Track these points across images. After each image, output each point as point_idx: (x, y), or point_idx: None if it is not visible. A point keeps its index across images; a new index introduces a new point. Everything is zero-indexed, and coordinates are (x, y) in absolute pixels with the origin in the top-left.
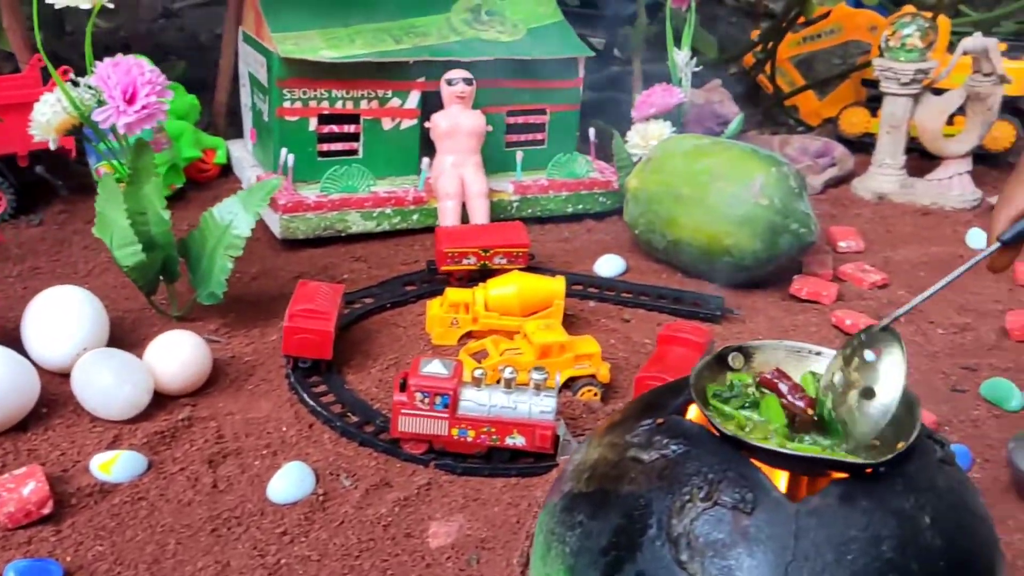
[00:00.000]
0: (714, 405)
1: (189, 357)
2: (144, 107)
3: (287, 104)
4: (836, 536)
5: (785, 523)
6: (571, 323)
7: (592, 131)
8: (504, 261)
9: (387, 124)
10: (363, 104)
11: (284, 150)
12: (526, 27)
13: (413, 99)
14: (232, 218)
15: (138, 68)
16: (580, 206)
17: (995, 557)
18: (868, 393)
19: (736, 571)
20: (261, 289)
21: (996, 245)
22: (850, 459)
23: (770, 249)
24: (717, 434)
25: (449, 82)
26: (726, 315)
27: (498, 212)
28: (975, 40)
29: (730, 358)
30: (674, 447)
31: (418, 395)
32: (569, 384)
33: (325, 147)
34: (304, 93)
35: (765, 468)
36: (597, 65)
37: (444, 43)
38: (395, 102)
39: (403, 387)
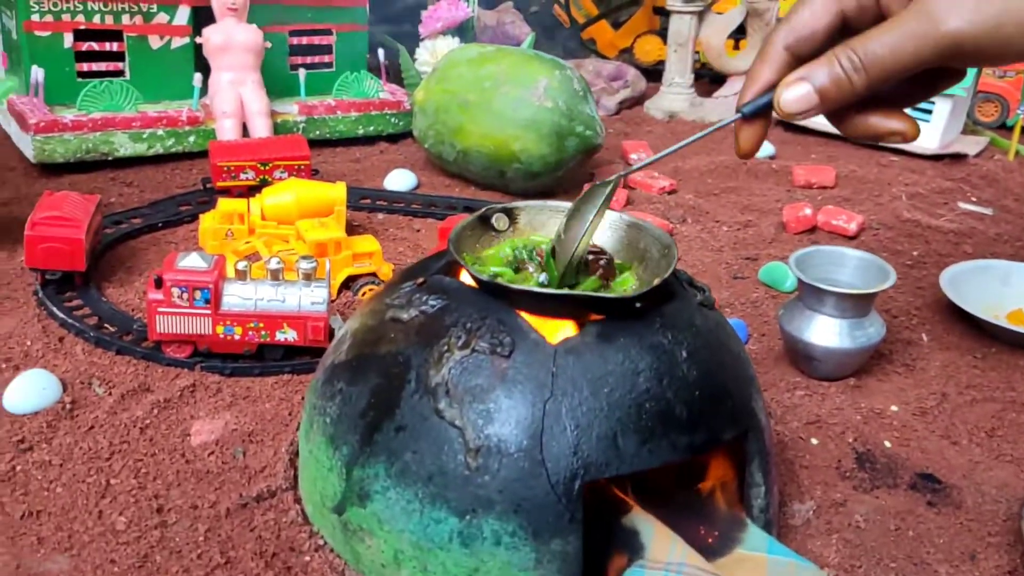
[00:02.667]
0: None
1: None
2: None
3: (35, 17)
4: (593, 371)
5: (543, 363)
6: (358, 233)
7: (381, 52)
8: (285, 175)
9: (155, 43)
10: (125, 19)
11: (35, 67)
12: None
13: (182, 15)
14: None
15: None
16: (371, 127)
17: (751, 391)
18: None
19: (495, 413)
20: (11, 215)
21: (736, 116)
22: (606, 294)
23: (558, 153)
24: (478, 287)
25: None
26: None
27: (283, 133)
28: None
29: (494, 219)
30: (433, 302)
31: (175, 291)
32: (349, 284)
33: (85, 67)
34: (55, 5)
35: (529, 316)
36: None
37: None
38: (162, 17)
39: (158, 284)
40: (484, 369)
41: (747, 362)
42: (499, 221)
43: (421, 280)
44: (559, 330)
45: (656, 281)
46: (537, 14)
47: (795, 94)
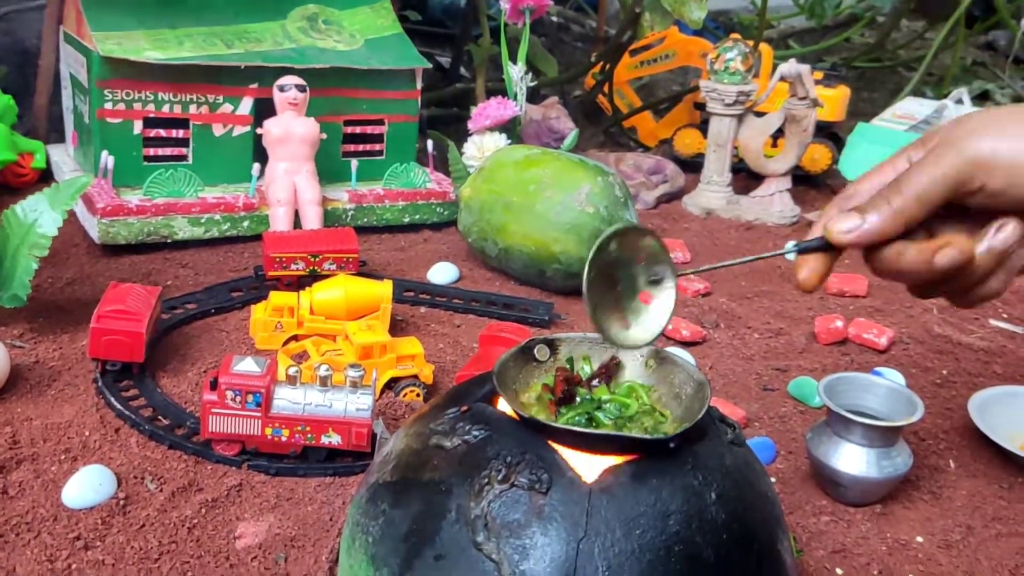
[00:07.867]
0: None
1: None
2: None
3: (108, 106)
4: (626, 512)
5: (578, 501)
6: (401, 328)
7: (430, 143)
8: (334, 267)
9: (218, 130)
10: (192, 109)
11: (105, 152)
12: (364, 38)
13: (245, 105)
14: (37, 216)
15: None
16: (417, 216)
17: (776, 531)
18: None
19: (530, 549)
20: (75, 295)
21: (792, 248)
22: (642, 436)
23: None
24: (518, 420)
25: (281, 88)
26: (555, 320)
27: (333, 220)
28: (790, 66)
29: (536, 350)
30: (476, 432)
31: (229, 393)
32: (392, 385)
33: (151, 151)
34: (127, 95)
35: (565, 450)
36: (443, 82)
37: (278, 49)
38: (226, 108)
39: (214, 386)
40: (521, 504)
41: (774, 501)
42: (540, 352)
43: (465, 408)
44: (594, 464)
45: (686, 425)
46: (581, 101)
47: (846, 223)
